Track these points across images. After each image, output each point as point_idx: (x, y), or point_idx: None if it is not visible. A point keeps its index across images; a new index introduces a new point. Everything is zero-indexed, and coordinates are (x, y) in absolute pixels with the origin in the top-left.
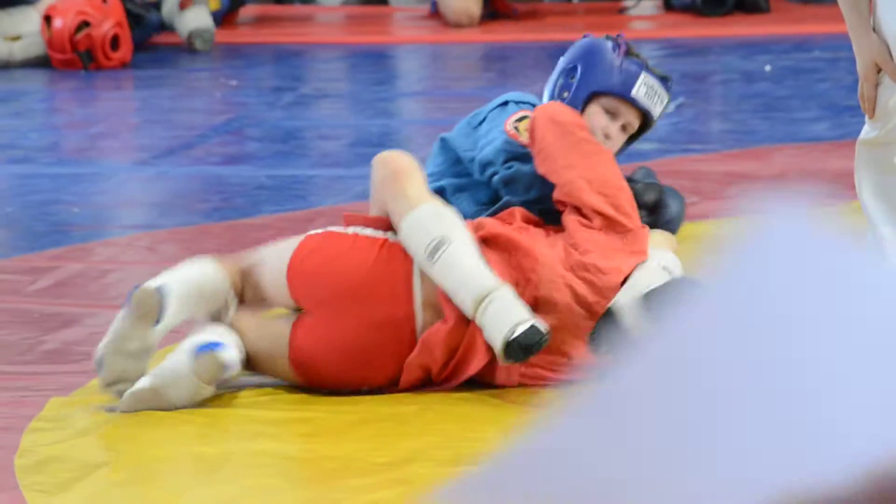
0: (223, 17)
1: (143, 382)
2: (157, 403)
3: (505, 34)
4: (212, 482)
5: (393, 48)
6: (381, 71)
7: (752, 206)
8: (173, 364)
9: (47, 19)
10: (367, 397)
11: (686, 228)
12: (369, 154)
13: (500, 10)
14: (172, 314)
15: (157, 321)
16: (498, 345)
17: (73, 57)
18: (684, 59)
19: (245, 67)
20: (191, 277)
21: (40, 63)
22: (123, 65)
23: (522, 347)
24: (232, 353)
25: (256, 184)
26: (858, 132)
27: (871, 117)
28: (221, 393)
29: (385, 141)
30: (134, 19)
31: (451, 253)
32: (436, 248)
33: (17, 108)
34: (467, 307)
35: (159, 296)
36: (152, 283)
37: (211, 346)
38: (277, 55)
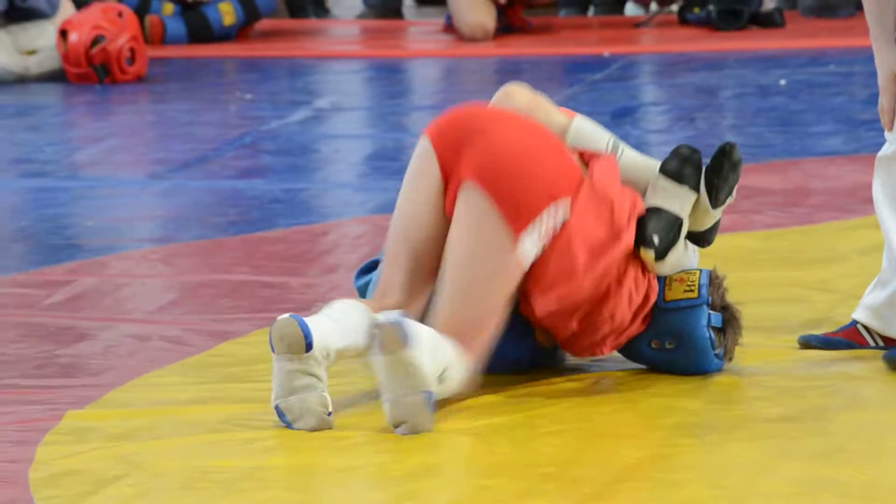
0: (238, 31)
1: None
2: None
3: (519, 48)
4: (226, 496)
5: (408, 62)
6: (395, 85)
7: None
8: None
9: (63, 33)
10: (381, 414)
11: None
12: (384, 167)
13: (515, 24)
14: (322, 338)
15: (308, 347)
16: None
17: (88, 71)
18: (699, 73)
19: (260, 81)
20: (329, 311)
21: (56, 77)
22: (139, 79)
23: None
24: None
25: (271, 197)
26: (874, 146)
27: (890, 129)
28: (237, 409)
29: (400, 155)
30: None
31: (627, 152)
32: (615, 146)
33: (33, 122)
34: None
35: (296, 320)
36: (284, 315)
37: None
38: (292, 69)
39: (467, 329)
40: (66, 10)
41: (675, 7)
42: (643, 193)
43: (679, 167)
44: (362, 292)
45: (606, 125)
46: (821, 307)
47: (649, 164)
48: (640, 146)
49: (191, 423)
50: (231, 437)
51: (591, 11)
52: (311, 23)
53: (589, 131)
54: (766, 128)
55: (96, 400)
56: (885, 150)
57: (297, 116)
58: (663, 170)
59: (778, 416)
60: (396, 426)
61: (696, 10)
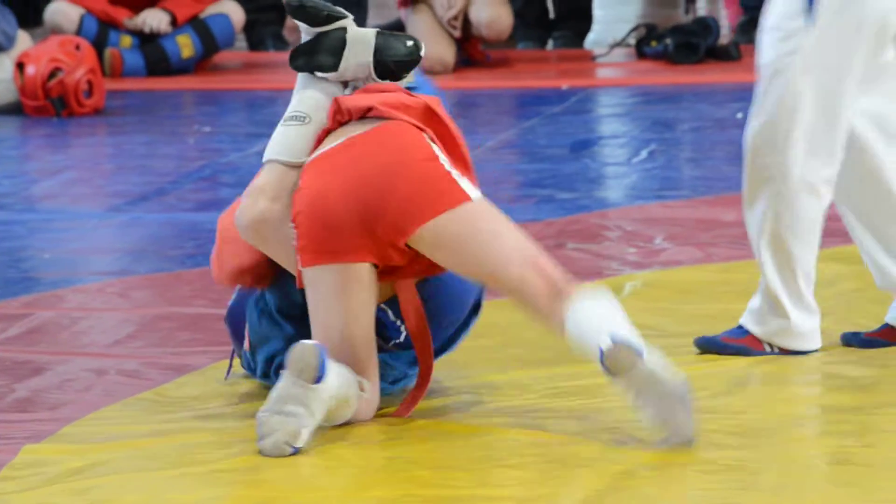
0: (196, 64)
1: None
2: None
3: (478, 81)
4: None
5: None
6: None
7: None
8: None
9: (20, 66)
10: (334, 443)
11: (658, 275)
12: None
13: (474, 57)
14: (333, 379)
15: (318, 379)
16: None
17: (45, 104)
18: (656, 105)
19: (218, 114)
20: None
21: (13, 110)
22: (96, 111)
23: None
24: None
25: None
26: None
27: None
28: (195, 442)
29: None
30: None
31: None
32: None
33: None
34: None
35: (318, 350)
36: (311, 341)
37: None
38: (251, 101)
39: None
40: (23, 42)
41: (632, 40)
42: None
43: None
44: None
45: (564, 158)
46: None
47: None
48: (599, 179)
49: (149, 456)
50: (189, 470)
51: (549, 45)
52: (270, 55)
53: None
54: (723, 161)
55: (53, 434)
56: None
57: (255, 149)
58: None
59: (737, 445)
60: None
61: (654, 43)
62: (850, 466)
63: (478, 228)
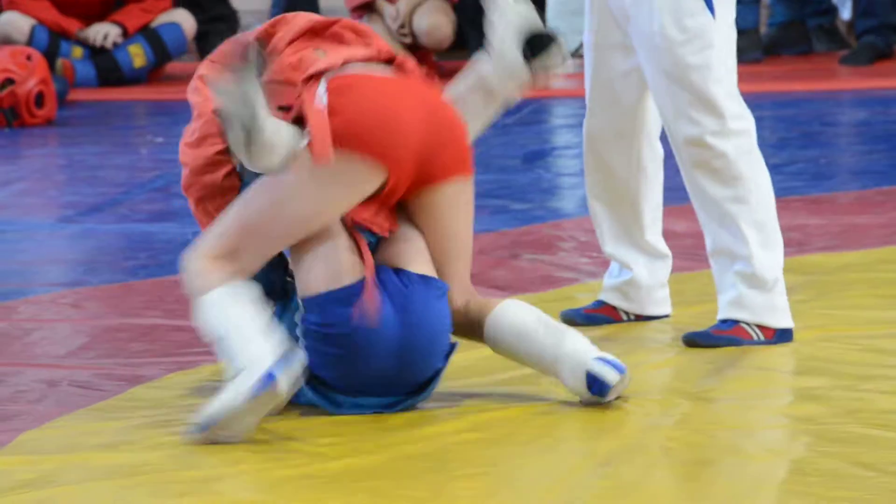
0: (148, 74)
1: (203, 429)
2: (210, 441)
3: None
4: None
5: None
6: None
7: None
8: (230, 409)
9: None
10: (297, 452)
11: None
12: None
13: (427, 68)
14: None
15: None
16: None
17: None
18: None
19: (171, 124)
20: (263, 317)
21: None
22: (48, 122)
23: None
24: (285, 377)
25: (183, 241)
26: (782, 190)
27: None
28: (149, 453)
29: None
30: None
31: None
32: None
33: None
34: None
35: (284, 395)
36: (283, 382)
37: (266, 385)
38: None
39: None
40: None
41: (581, 50)
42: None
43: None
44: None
45: (517, 169)
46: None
47: None
48: (552, 189)
49: (103, 467)
50: (143, 480)
51: None
52: None
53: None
54: (672, 170)
55: (5, 445)
56: None
57: None
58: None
59: (692, 459)
60: None
61: None
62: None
63: (466, 210)
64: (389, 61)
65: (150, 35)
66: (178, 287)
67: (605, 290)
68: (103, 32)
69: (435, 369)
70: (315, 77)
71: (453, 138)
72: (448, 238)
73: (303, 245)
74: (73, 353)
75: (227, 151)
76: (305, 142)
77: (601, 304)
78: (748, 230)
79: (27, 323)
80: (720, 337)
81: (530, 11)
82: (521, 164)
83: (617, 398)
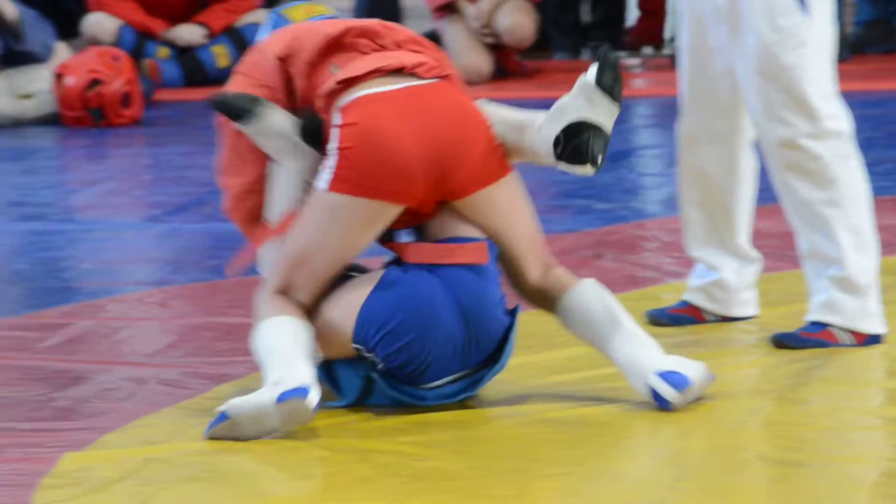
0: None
1: (223, 417)
2: (232, 435)
3: (514, 91)
4: None
5: None
6: None
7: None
8: (256, 404)
9: (59, 77)
10: (382, 452)
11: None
12: None
13: (509, 68)
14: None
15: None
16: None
17: (84, 114)
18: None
19: None
20: (308, 348)
21: (52, 121)
22: (134, 122)
23: (611, 63)
24: (316, 396)
25: None
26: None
27: None
28: (234, 451)
29: None
30: None
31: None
32: None
33: (29, 166)
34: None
35: (313, 409)
36: (314, 398)
37: (298, 393)
38: None
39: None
40: (62, 54)
41: (667, 51)
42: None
43: (613, 81)
44: None
45: (601, 169)
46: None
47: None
48: (635, 189)
49: (188, 465)
50: (228, 479)
51: (585, 55)
52: None
53: None
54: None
55: (93, 443)
56: None
57: None
58: (600, 82)
59: (775, 459)
60: None
61: None
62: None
63: (511, 202)
64: (401, 69)
65: (234, 35)
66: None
67: (691, 290)
68: (188, 32)
69: (502, 323)
70: (330, 97)
71: (466, 157)
72: (499, 231)
73: (314, 317)
74: (159, 351)
75: (263, 179)
76: (326, 184)
77: (686, 305)
78: (842, 234)
79: (114, 321)
80: (809, 339)
81: (601, 119)
82: (605, 163)
83: (699, 399)
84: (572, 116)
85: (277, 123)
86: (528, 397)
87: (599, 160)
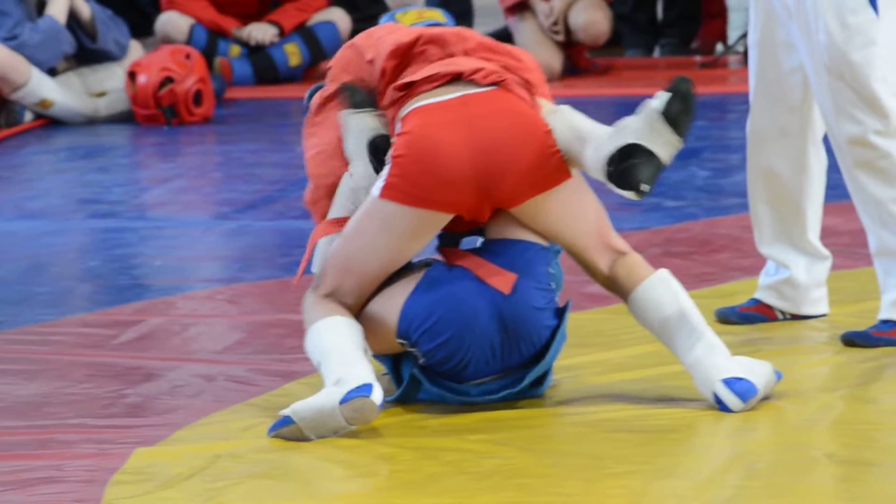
0: (304, 72)
1: (287, 421)
2: (297, 436)
3: (585, 88)
4: None
5: None
6: None
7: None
8: (320, 406)
9: (131, 75)
10: (450, 449)
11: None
12: None
13: (580, 65)
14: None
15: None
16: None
17: (156, 112)
18: None
19: None
20: (363, 346)
21: (124, 119)
22: (206, 120)
23: (683, 94)
24: (379, 393)
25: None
26: None
27: None
28: (309, 449)
29: None
30: None
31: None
32: None
33: (102, 164)
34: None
35: (378, 406)
36: (378, 395)
37: (362, 391)
38: None
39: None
40: (135, 52)
41: (741, 48)
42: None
43: (679, 113)
44: None
45: (671, 166)
46: None
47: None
48: (706, 187)
49: (257, 462)
50: (296, 475)
51: (656, 52)
52: None
53: None
54: (834, 169)
55: (164, 439)
56: None
57: None
58: (666, 112)
59: (845, 458)
60: None
61: None
62: None
63: (570, 203)
64: (459, 75)
65: (305, 34)
66: None
67: (761, 288)
68: (260, 31)
69: (546, 328)
70: (393, 105)
71: (515, 166)
72: (558, 234)
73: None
74: (229, 348)
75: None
76: (378, 191)
77: (756, 303)
78: None
79: (185, 318)
80: (880, 338)
81: (658, 148)
82: (676, 160)
83: (767, 398)
84: (629, 139)
85: (360, 125)
86: (596, 395)
87: (645, 188)
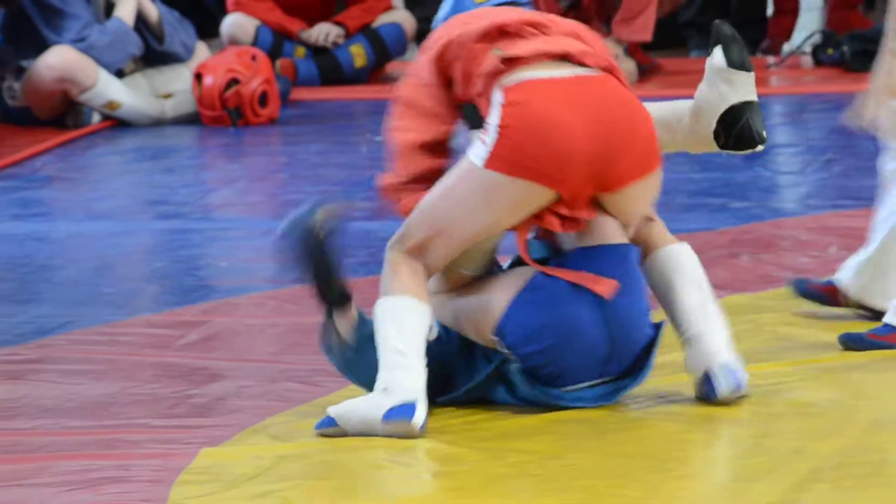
0: (369, 73)
1: (331, 422)
2: (342, 436)
3: (648, 90)
4: None
5: None
6: None
7: None
8: (363, 416)
9: (198, 77)
10: (516, 451)
11: None
12: None
13: (640, 64)
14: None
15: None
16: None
17: (222, 114)
18: (833, 114)
19: None
20: (424, 338)
21: (191, 120)
22: (271, 121)
23: (729, 37)
24: (422, 413)
25: None
26: None
27: None
28: (374, 449)
29: None
30: None
31: None
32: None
33: (169, 165)
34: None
35: (419, 430)
36: (420, 418)
37: (404, 413)
38: None
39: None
40: (201, 53)
41: (808, 48)
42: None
43: (739, 54)
44: None
45: (737, 167)
46: None
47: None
48: (772, 188)
49: (321, 463)
50: (363, 477)
51: None
52: None
53: None
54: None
55: (228, 439)
56: None
57: None
58: (730, 62)
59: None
60: None
61: (830, 51)
62: None
63: (654, 188)
64: (565, 57)
65: (370, 35)
66: None
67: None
68: (325, 32)
69: (646, 336)
70: (492, 76)
71: (631, 146)
72: (634, 217)
73: (453, 303)
74: (293, 349)
75: (439, 141)
76: (481, 160)
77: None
78: None
79: (250, 319)
80: (874, 342)
81: (747, 95)
82: (740, 162)
83: (838, 399)
84: (722, 106)
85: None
86: (663, 397)
87: (764, 135)
